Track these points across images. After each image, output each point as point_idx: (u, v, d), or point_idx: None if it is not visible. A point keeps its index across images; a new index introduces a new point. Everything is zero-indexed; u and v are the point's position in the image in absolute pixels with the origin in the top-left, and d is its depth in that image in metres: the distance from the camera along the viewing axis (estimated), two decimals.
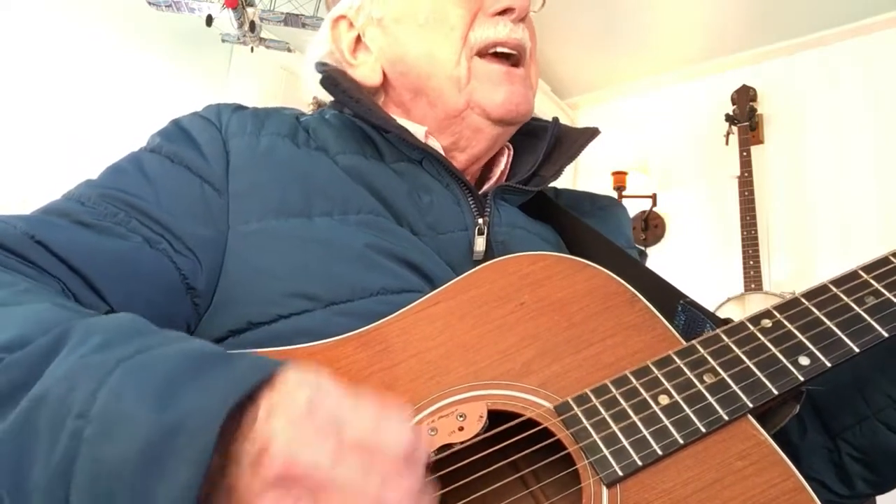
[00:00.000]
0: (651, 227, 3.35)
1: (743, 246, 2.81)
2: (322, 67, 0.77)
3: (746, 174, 2.88)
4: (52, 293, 0.48)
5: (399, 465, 0.35)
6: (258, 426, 0.34)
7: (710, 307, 2.84)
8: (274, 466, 0.33)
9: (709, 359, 0.50)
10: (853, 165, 2.92)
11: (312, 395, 0.36)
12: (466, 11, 0.71)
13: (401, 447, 0.36)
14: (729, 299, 2.77)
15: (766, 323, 0.52)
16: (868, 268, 0.55)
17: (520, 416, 0.49)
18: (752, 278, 2.76)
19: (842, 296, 0.53)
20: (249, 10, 2.48)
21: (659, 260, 3.13)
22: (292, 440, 0.34)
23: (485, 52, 0.71)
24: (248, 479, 0.33)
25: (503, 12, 0.71)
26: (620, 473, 0.45)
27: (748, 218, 2.83)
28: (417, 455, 0.37)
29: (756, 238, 2.79)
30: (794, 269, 2.96)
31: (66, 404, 0.35)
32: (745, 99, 3.02)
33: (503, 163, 0.79)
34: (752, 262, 2.78)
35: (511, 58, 0.73)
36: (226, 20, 2.49)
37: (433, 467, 0.46)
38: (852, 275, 0.54)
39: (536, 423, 0.49)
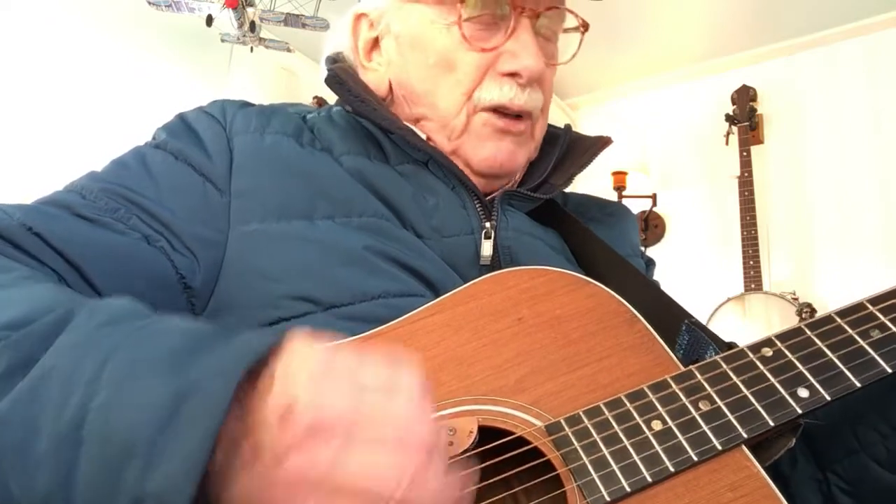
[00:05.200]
0: (651, 227, 3.34)
1: (743, 246, 2.82)
2: (332, 64, 0.76)
3: (746, 174, 2.88)
4: (52, 279, 0.48)
5: (417, 398, 0.37)
6: (278, 384, 0.35)
7: (711, 307, 2.83)
8: (304, 418, 0.34)
9: (705, 385, 0.49)
10: (853, 165, 2.92)
11: (325, 355, 0.37)
12: (476, 68, 0.69)
13: (414, 388, 0.37)
14: (729, 299, 2.77)
15: (767, 352, 0.51)
16: (875, 300, 0.52)
17: (510, 433, 0.48)
18: (752, 278, 2.76)
19: (846, 327, 0.51)
20: (249, 10, 2.49)
21: (659, 260, 3.10)
22: (317, 391, 0.35)
23: (489, 109, 0.70)
24: (276, 434, 0.34)
25: (511, 74, 0.69)
26: (608, 499, 0.44)
27: (748, 218, 2.83)
28: (429, 398, 0.38)
29: (756, 238, 2.79)
30: (794, 269, 2.96)
31: (75, 374, 0.35)
32: (745, 99, 3.02)
33: None
34: (752, 262, 2.79)
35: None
36: (226, 20, 2.49)
37: None
38: (858, 306, 0.52)
39: (527, 442, 0.48)
